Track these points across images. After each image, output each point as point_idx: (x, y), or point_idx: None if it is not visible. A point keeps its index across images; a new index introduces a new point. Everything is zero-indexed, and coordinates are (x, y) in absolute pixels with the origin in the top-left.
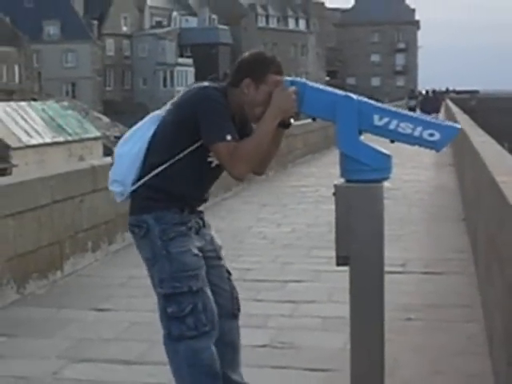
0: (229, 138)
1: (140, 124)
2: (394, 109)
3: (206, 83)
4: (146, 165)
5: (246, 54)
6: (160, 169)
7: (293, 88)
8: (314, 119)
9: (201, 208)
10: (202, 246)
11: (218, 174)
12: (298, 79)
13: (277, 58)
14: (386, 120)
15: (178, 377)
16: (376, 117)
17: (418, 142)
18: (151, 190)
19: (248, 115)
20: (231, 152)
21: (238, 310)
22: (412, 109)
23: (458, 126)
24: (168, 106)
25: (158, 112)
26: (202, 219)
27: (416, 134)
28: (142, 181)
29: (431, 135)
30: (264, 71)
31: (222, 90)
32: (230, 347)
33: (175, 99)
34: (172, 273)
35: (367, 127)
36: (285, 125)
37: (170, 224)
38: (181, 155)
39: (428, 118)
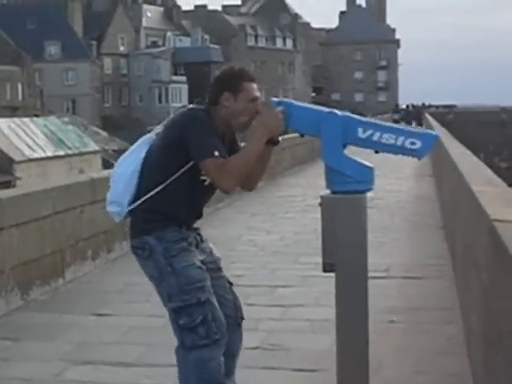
0: (216, 153)
1: (134, 146)
2: (376, 121)
3: (191, 105)
4: (141, 188)
5: (217, 72)
6: (155, 191)
7: (280, 108)
8: (302, 135)
9: (196, 225)
10: (204, 259)
11: (211, 192)
12: (285, 100)
13: (245, 68)
14: (369, 132)
15: (184, 383)
16: (360, 130)
17: (401, 151)
18: (149, 213)
19: (234, 126)
20: (219, 167)
21: (242, 318)
22: (396, 121)
23: (437, 133)
24: (159, 128)
25: (149, 134)
26: (199, 234)
27: (398, 143)
28: (137, 203)
29: (413, 144)
30: (238, 81)
31: (206, 111)
32: (230, 356)
33: (165, 122)
34: (180, 287)
35: (352, 140)
36: (274, 142)
37: (170, 242)
38: (174, 176)
39: (408, 128)
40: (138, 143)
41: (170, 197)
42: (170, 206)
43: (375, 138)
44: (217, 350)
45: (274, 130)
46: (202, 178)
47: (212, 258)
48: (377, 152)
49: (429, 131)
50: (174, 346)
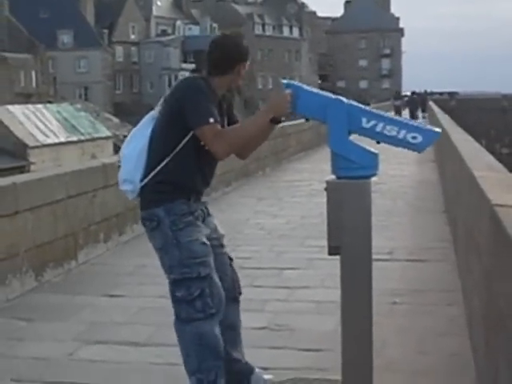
0: (211, 120)
1: (139, 124)
2: (381, 112)
3: (188, 74)
4: (150, 161)
5: (223, 40)
6: (163, 163)
7: (288, 91)
8: (307, 120)
9: (204, 198)
10: (208, 233)
11: (215, 161)
12: (294, 82)
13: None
14: (373, 123)
15: (185, 356)
16: (364, 119)
17: (402, 143)
18: (158, 184)
19: (238, 88)
20: (215, 134)
21: (240, 293)
22: (398, 108)
23: (439, 130)
24: (160, 104)
25: (153, 112)
26: (206, 208)
27: (400, 136)
28: (148, 177)
29: (414, 138)
30: (247, 51)
31: (205, 80)
32: (230, 328)
33: (165, 95)
34: (181, 260)
35: (356, 129)
36: (276, 121)
37: (178, 215)
38: (179, 146)
39: (411, 121)
40: (142, 121)
41: (178, 167)
42: (178, 177)
43: (378, 128)
44: (210, 323)
45: (280, 111)
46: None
47: (216, 234)
48: (378, 143)
49: (431, 127)
50: None
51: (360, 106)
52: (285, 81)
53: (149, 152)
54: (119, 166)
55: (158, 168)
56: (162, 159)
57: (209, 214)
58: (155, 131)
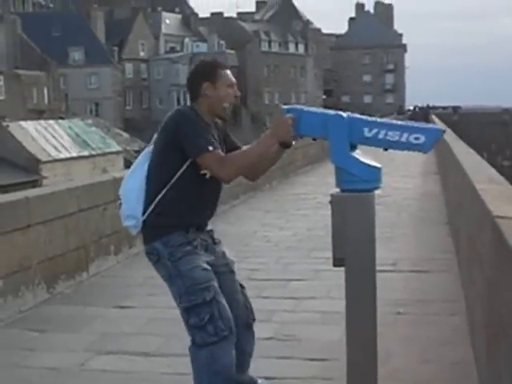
0: (211, 148)
1: (137, 161)
2: (381, 120)
3: (178, 107)
4: (148, 195)
5: (191, 69)
6: (160, 196)
7: (289, 115)
8: (314, 139)
9: (209, 227)
10: (213, 261)
11: (216, 187)
12: (295, 106)
13: (217, 59)
14: (375, 131)
15: (197, 380)
16: (366, 129)
17: (407, 146)
18: (156, 217)
19: (220, 114)
20: (218, 160)
21: (253, 319)
22: None
23: (441, 128)
24: (154, 138)
25: (147, 148)
26: (211, 237)
27: (403, 139)
28: (147, 212)
29: (417, 139)
30: (214, 70)
31: (192, 108)
32: (242, 355)
33: (158, 130)
34: (186, 288)
35: (359, 139)
36: (285, 145)
37: (175, 246)
38: (174, 178)
39: (412, 123)
40: (140, 157)
41: (175, 199)
42: (175, 209)
43: (381, 136)
44: (226, 345)
45: (282, 135)
46: (203, 171)
47: (224, 261)
48: (386, 149)
49: (432, 126)
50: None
51: (360, 116)
52: (285, 106)
53: (147, 186)
54: (120, 204)
55: (156, 201)
56: (158, 192)
57: (214, 243)
58: (150, 165)
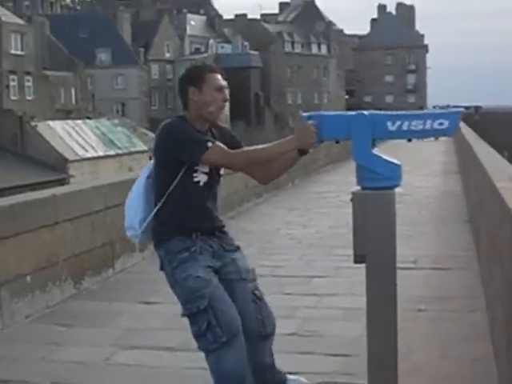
0: (210, 144)
1: (140, 173)
2: (402, 112)
3: (165, 121)
4: (150, 208)
5: (180, 75)
6: (159, 205)
7: (311, 122)
8: (337, 142)
9: (220, 234)
10: (219, 266)
11: (212, 193)
12: (315, 113)
13: (206, 62)
14: (398, 123)
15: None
16: (389, 123)
17: (431, 133)
18: (158, 226)
19: (208, 118)
20: (221, 151)
21: (268, 331)
22: None
23: (461, 110)
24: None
25: (151, 161)
26: (221, 243)
27: (427, 127)
28: (146, 221)
29: (441, 124)
30: (200, 74)
31: (182, 117)
32: (260, 366)
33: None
34: (184, 297)
35: (384, 134)
36: (303, 152)
37: (174, 253)
38: (170, 188)
39: (432, 110)
40: (142, 170)
41: (173, 207)
42: (174, 216)
43: (405, 127)
44: (229, 350)
45: (305, 142)
46: (195, 179)
47: (234, 268)
48: (409, 140)
49: (455, 110)
50: None
51: (382, 112)
52: (305, 114)
53: (148, 198)
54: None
55: (155, 211)
56: (156, 203)
57: (225, 250)
58: (153, 181)
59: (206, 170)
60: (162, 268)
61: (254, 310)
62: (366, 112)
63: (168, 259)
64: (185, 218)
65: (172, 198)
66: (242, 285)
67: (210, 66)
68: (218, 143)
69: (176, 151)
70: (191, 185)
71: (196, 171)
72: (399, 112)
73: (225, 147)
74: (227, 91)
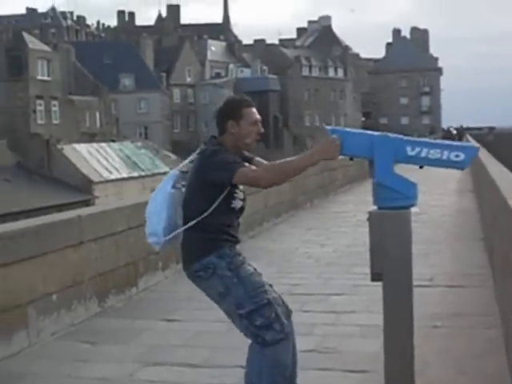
0: (246, 164)
1: (161, 184)
2: (422, 139)
3: (204, 147)
4: (183, 218)
5: (219, 107)
6: (197, 220)
7: (335, 137)
8: (351, 159)
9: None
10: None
11: (240, 216)
12: (338, 128)
13: (244, 96)
14: (417, 150)
15: (256, 375)
16: (409, 148)
17: (447, 164)
18: (200, 238)
19: (244, 149)
20: (252, 171)
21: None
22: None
23: (477, 145)
24: (183, 165)
25: (173, 171)
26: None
27: (444, 157)
28: (175, 232)
29: (457, 156)
30: (238, 109)
31: (219, 143)
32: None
33: (190, 159)
34: (248, 293)
35: (403, 158)
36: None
37: (232, 257)
38: (212, 208)
39: (450, 142)
40: (163, 180)
41: (215, 223)
42: (221, 229)
43: (423, 154)
44: (287, 343)
45: (329, 155)
46: (233, 205)
47: None
48: (421, 167)
49: (469, 144)
50: (237, 349)
51: (403, 137)
52: (329, 127)
53: (184, 211)
54: (146, 221)
55: (191, 224)
56: (196, 217)
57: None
58: (188, 192)
59: (242, 196)
60: (213, 273)
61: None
62: (390, 134)
63: (227, 261)
64: (225, 232)
65: (211, 217)
66: None
67: (247, 101)
68: (251, 166)
69: (215, 173)
70: (228, 209)
71: (234, 198)
72: (420, 139)
73: (257, 168)
74: (260, 124)
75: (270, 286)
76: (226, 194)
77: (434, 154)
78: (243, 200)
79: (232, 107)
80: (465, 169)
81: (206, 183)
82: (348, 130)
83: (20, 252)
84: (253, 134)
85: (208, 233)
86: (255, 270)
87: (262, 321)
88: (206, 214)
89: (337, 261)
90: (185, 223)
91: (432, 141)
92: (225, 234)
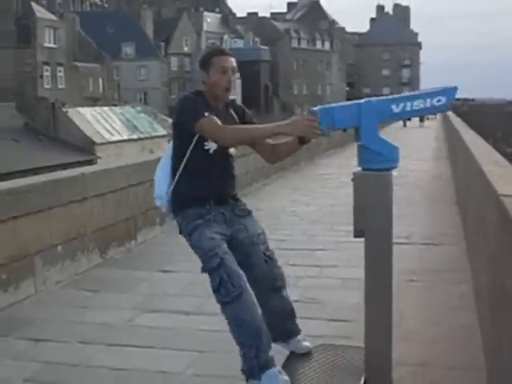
0: (206, 114)
1: (165, 151)
2: (403, 94)
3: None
4: (171, 177)
5: None
6: (177, 176)
7: (311, 117)
8: (344, 130)
9: (233, 202)
10: (231, 232)
11: (224, 161)
12: (326, 106)
13: (220, 46)
14: (402, 105)
15: (232, 335)
16: (394, 106)
17: (431, 110)
18: (176, 196)
19: (218, 97)
20: (213, 125)
21: (278, 284)
22: None
23: (456, 86)
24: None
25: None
26: (233, 210)
27: (428, 105)
28: (169, 190)
29: (439, 101)
30: (208, 58)
31: (199, 92)
32: (281, 319)
33: None
34: (202, 256)
35: (390, 116)
36: (304, 142)
37: (189, 219)
38: (186, 157)
39: (430, 89)
40: (167, 147)
41: (189, 177)
42: (189, 186)
43: (408, 108)
44: (242, 303)
45: (307, 135)
46: (206, 147)
47: (245, 234)
48: (405, 125)
49: (449, 86)
50: None
51: (385, 97)
52: (316, 108)
53: (171, 169)
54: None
55: (174, 181)
56: (175, 172)
57: (237, 215)
58: (173, 143)
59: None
60: (180, 232)
61: (266, 269)
62: (372, 99)
63: (185, 224)
64: (198, 187)
65: (187, 169)
66: (254, 248)
67: (218, 49)
68: (215, 118)
69: (181, 119)
70: (203, 152)
71: (206, 140)
72: (401, 95)
73: (219, 122)
74: (234, 74)
75: (267, 256)
76: (197, 138)
77: (418, 104)
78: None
79: (203, 56)
80: (449, 110)
81: (177, 128)
82: (335, 105)
83: (28, 206)
84: (222, 82)
85: (180, 190)
86: (220, 233)
87: (212, 284)
88: (179, 172)
89: (321, 219)
90: (173, 175)
91: (412, 93)
92: (194, 193)
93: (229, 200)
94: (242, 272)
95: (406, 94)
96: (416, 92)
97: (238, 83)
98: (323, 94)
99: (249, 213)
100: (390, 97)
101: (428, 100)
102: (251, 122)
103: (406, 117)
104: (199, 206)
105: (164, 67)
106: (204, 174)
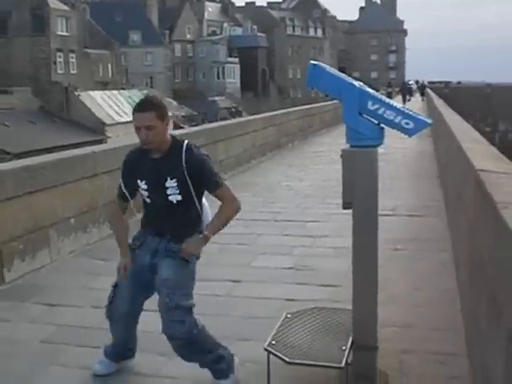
0: (121, 185)
1: None
2: (384, 99)
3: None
4: None
5: None
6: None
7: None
8: (326, 95)
9: (171, 238)
10: (153, 263)
11: (162, 209)
12: (320, 64)
13: (145, 97)
14: (376, 106)
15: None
16: (370, 102)
17: (396, 127)
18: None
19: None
20: (111, 200)
21: (166, 336)
22: (389, 93)
23: (429, 121)
24: None
25: None
26: (165, 246)
27: (396, 120)
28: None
29: (407, 124)
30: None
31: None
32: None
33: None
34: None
35: (364, 110)
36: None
37: (132, 239)
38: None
39: (407, 110)
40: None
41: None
42: (143, 215)
43: (380, 111)
44: (111, 324)
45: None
46: (142, 197)
47: (159, 272)
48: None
49: (424, 117)
50: (225, 266)
51: (369, 91)
52: (313, 62)
53: None
54: None
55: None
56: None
57: (165, 251)
58: None
59: (146, 187)
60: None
61: (163, 312)
62: (356, 83)
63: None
64: (143, 220)
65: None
66: (159, 288)
67: (136, 106)
68: (120, 192)
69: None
70: (144, 200)
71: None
72: (384, 98)
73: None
74: (153, 129)
75: (166, 300)
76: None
77: (389, 115)
78: (148, 191)
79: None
80: (411, 137)
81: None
82: (327, 68)
83: (43, 182)
84: (140, 140)
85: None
86: (138, 259)
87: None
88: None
89: (313, 193)
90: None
91: (393, 103)
92: (143, 220)
93: (166, 235)
94: (124, 304)
95: (387, 100)
96: (395, 104)
97: (237, 68)
98: None
99: (174, 254)
100: (373, 93)
101: (399, 117)
102: (208, 185)
103: (374, 118)
104: (141, 230)
105: (168, 53)
106: (145, 211)
